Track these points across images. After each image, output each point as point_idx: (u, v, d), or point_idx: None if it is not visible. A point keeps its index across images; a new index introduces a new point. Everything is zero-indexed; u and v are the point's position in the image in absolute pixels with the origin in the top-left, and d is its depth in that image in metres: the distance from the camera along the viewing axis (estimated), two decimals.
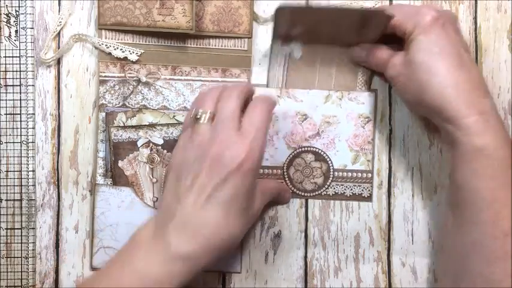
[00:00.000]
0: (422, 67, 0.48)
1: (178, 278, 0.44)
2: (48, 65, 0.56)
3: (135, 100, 0.56)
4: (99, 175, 0.56)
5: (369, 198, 0.57)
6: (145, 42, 0.56)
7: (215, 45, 0.56)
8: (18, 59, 0.56)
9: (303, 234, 0.57)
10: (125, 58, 0.55)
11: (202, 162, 0.45)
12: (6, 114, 0.56)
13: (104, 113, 0.56)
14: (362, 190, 0.57)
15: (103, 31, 0.55)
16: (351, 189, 0.57)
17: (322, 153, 0.56)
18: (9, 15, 0.56)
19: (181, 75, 0.56)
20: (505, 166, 0.46)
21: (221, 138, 0.45)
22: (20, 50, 0.56)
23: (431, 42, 0.48)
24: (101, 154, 0.56)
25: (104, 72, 0.56)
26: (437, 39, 0.48)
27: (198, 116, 0.47)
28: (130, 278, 0.44)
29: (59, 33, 0.56)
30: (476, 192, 0.46)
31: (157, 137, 0.56)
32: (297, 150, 0.56)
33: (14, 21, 0.56)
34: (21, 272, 0.56)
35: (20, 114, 0.56)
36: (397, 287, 0.57)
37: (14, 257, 0.56)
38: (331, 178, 0.56)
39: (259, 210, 0.50)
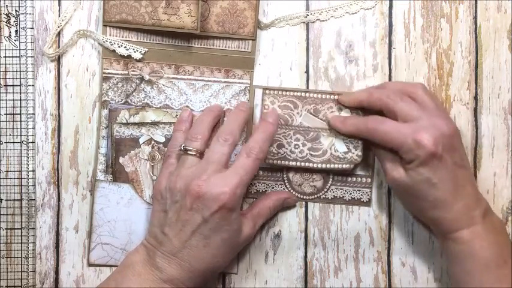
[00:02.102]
0: (421, 194, 0.51)
1: None
2: (51, 59, 0.56)
3: (137, 98, 0.56)
4: (100, 171, 0.56)
5: (368, 203, 0.56)
6: (150, 40, 0.56)
7: (219, 46, 0.56)
8: (18, 59, 0.56)
9: (303, 234, 0.57)
10: (129, 56, 0.55)
11: (186, 197, 0.49)
12: (6, 114, 0.56)
13: (107, 110, 0.56)
14: (361, 195, 0.56)
15: (107, 28, 0.55)
16: (350, 194, 0.56)
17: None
18: (9, 15, 0.56)
19: (184, 75, 0.56)
20: (493, 265, 0.49)
21: (205, 177, 0.48)
22: (20, 50, 0.56)
23: (431, 174, 0.49)
24: (102, 150, 0.56)
25: (107, 69, 0.56)
26: (434, 173, 0.49)
27: (188, 149, 0.51)
28: None
29: (59, 33, 0.56)
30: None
31: (159, 135, 0.56)
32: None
33: (14, 21, 0.56)
34: (21, 272, 0.56)
35: (20, 114, 0.56)
36: (397, 287, 0.57)
37: (14, 257, 0.56)
38: (330, 182, 0.56)
39: (251, 235, 0.53)
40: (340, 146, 0.55)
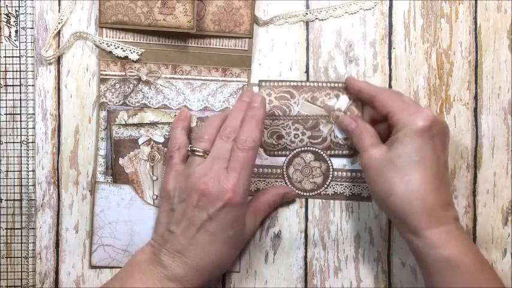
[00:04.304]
0: (397, 170, 0.48)
1: None
2: (49, 62, 0.56)
3: (135, 99, 0.56)
4: (99, 173, 0.56)
5: (369, 198, 0.57)
6: (146, 41, 0.56)
7: (216, 45, 0.56)
8: (18, 59, 0.56)
9: (303, 234, 0.57)
10: (126, 57, 0.55)
11: (191, 197, 0.49)
12: (6, 114, 0.56)
13: (105, 111, 0.56)
14: (361, 190, 0.57)
15: (104, 29, 0.55)
16: (351, 189, 0.56)
17: (321, 152, 0.56)
18: (9, 15, 0.56)
19: (182, 74, 0.56)
20: (474, 272, 0.46)
21: (212, 174, 0.49)
22: (20, 50, 0.56)
23: (415, 149, 0.48)
24: (102, 152, 0.56)
25: (104, 71, 0.56)
26: (421, 148, 0.48)
27: (195, 149, 0.51)
28: None
29: (59, 32, 0.56)
30: None
31: (158, 135, 0.56)
32: (296, 150, 0.56)
33: (14, 21, 0.56)
34: (21, 272, 0.56)
35: (20, 114, 0.56)
36: (397, 287, 0.57)
37: (14, 257, 0.56)
38: (330, 178, 0.56)
39: (254, 230, 0.54)
40: (340, 132, 0.55)
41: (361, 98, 0.55)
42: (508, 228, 0.56)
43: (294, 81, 0.56)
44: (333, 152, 0.56)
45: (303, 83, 0.56)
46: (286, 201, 0.56)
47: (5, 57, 0.56)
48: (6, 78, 0.56)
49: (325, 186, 0.56)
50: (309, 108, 0.55)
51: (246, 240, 0.53)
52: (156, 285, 0.49)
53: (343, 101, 0.56)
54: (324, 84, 0.56)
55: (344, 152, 0.56)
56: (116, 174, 0.56)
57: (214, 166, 0.49)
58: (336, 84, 0.56)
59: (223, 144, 0.50)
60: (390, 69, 0.57)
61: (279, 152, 0.56)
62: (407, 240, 0.49)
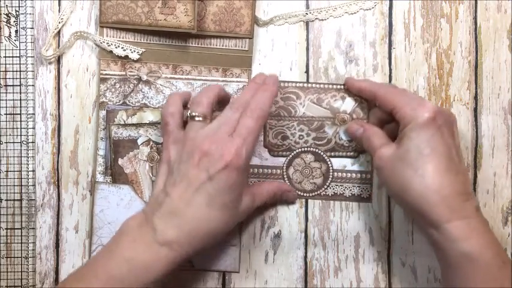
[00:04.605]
0: (410, 166, 0.47)
1: (164, 263, 0.46)
2: (49, 61, 0.56)
3: (135, 98, 0.56)
4: (99, 173, 0.56)
5: (368, 199, 0.57)
6: (147, 40, 0.56)
7: (216, 45, 0.56)
8: (18, 59, 0.56)
9: (303, 234, 0.57)
10: (126, 56, 0.55)
11: (193, 157, 0.47)
12: (6, 114, 0.56)
13: (105, 111, 0.56)
14: (361, 191, 0.57)
15: (104, 29, 0.55)
16: (350, 190, 0.56)
17: (321, 153, 0.56)
18: (9, 15, 0.56)
19: (182, 74, 0.56)
20: (494, 268, 0.46)
21: (214, 138, 0.48)
22: (20, 50, 0.56)
23: (424, 142, 0.47)
24: (101, 152, 0.56)
25: (104, 70, 0.56)
26: (430, 140, 0.47)
27: (194, 115, 0.50)
28: (118, 264, 0.46)
29: (59, 32, 0.56)
30: None
31: (157, 136, 0.56)
32: (297, 151, 0.56)
33: (14, 21, 0.56)
34: (21, 272, 0.56)
35: (20, 114, 0.56)
36: (397, 287, 0.57)
37: (14, 257, 0.56)
38: (330, 178, 0.56)
39: (249, 210, 0.51)
40: (345, 135, 0.55)
41: (364, 97, 0.55)
42: (508, 228, 0.56)
43: (300, 82, 0.56)
44: (337, 154, 0.56)
45: (309, 84, 0.56)
46: (285, 199, 0.56)
47: (5, 57, 0.56)
48: (6, 78, 0.56)
49: (325, 186, 0.56)
50: (315, 109, 0.55)
51: (239, 219, 0.51)
52: (146, 252, 0.46)
53: (348, 103, 0.56)
54: (330, 86, 0.56)
55: (348, 153, 0.56)
56: (115, 175, 0.56)
57: (219, 130, 0.48)
58: (342, 86, 0.56)
59: (232, 113, 0.49)
60: (390, 69, 0.57)
61: (283, 153, 0.56)
62: (428, 234, 0.48)
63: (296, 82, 0.56)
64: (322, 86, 0.56)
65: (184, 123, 0.51)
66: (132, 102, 0.56)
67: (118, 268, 0.46)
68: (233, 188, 0.48)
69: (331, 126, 0.55)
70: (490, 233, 0.47)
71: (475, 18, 0.57)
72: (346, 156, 0.56)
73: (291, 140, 0.56)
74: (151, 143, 0.56)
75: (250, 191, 0.52)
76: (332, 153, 0.56)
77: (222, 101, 0.53)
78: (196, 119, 0.50)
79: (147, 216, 0.48)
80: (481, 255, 0.46)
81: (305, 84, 0.56)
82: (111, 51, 0.55)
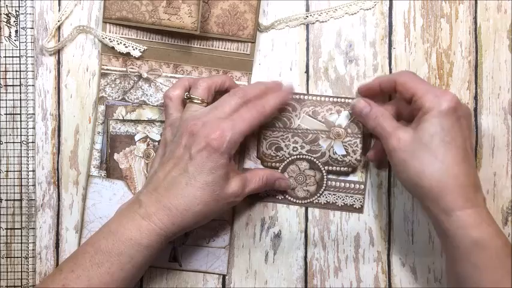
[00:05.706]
0: (430, 151, 0.48)
1: (146, 236, 0.48)
2: (50, 53, 0.56)
3: (135, 95, 0.56)
4: (94, 167, 0.56)
5: (360, 210, 0.56)
6: (149, 39, 0.56)
7: (218, 47, 0.56)
8: (18, 59, 0.56)
9: (303, 234, 0.57)
10: (128, 53, 0.55)
11: (181, 137, 0.49)
12: (6, 114, 0.56)
13: (104, 106, 0.56)
14: (354, 201, 0.56)
15: (107, 25, 0.55)
16: (343, 200, 0.56)
17: (316, 162, 0.56)
18: (9, 15, 0.56)
19: (183, 74, 0.56)
20: (504, 255, 0.47)
21: (203, 119, 0.49)
22: (20, 50, 0.56)
23: (445, 130, 0.48)
24: (97, 146, 0.56)
25: (106, 66, 0.56)
26: (450, 129, 0.48)
27: (192, 97, 0.51)
28: (105, 237, 0.48)
29: (58, 28, 0.56)
30: (479, 285, 0.47)
31: (155, 133, 0.56)
32: (292, 158, 0.56)
33: (14, 21, 0.56)
34: (21, 272, 0.56)
35: (20, 114, 0.56)
36: (397, 287, 0.57)
37: (14, 257, 0.56)
38: (324, 187, 0.56)
39: (238, 195, 0.51)
40: (339, 149, 0.55)
41: (384, 91, 0.54)
42: (508, 228, 0.56)
43: (296, 93, 0.56)
44: (330, 168, 0.55)
45: (306, 96, 0.56)
46: (278, 187, 0.55)
47: (5, 57, 0.56)
48: (6, 78, 0.56)
49: (318, 195, 0.56)
50: (310, 122, 0.55)
51: (228, 201, 0.50)
52: (128, 223, 0.48)
53: (344, 118, 0.55)
54: (326, 99, 0.56)
55: (342, 168, 0.55)
56: (110, 169, 0.56)
57: (210, 113, 0.49)
58: (338, 100, 0.56)
59: (229, 99, 0.50)
60: (390, 69, 0.57)
61: (276, 164, 0.56)
62: (438, 220, 0.48)
63: (292, 94, 0.56)
64: (318, 98, 0.56)
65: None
66: (131, 99, 0.56)
67: (105, 240, 0.48)
68: (214, 169, 0.48)
69: (326, 140, 0.55)
70: (497, 225, 0.48)
71: (475, 18, 0.57)
72: (340, 172, 0.55)
73: (285, 151, 0.55)
74: (148, 140, 0.56)
75: (242, 176, 0.52)
76: (326, 168, 0.55)
77: (228, 91, 0.53)
78: (195, 101, 0.51)
79: (138, 195, 0.51)
80: (492, 243, 0.47)
81: (301, 96, 0.56)
82: (113, 47, 0.55)
